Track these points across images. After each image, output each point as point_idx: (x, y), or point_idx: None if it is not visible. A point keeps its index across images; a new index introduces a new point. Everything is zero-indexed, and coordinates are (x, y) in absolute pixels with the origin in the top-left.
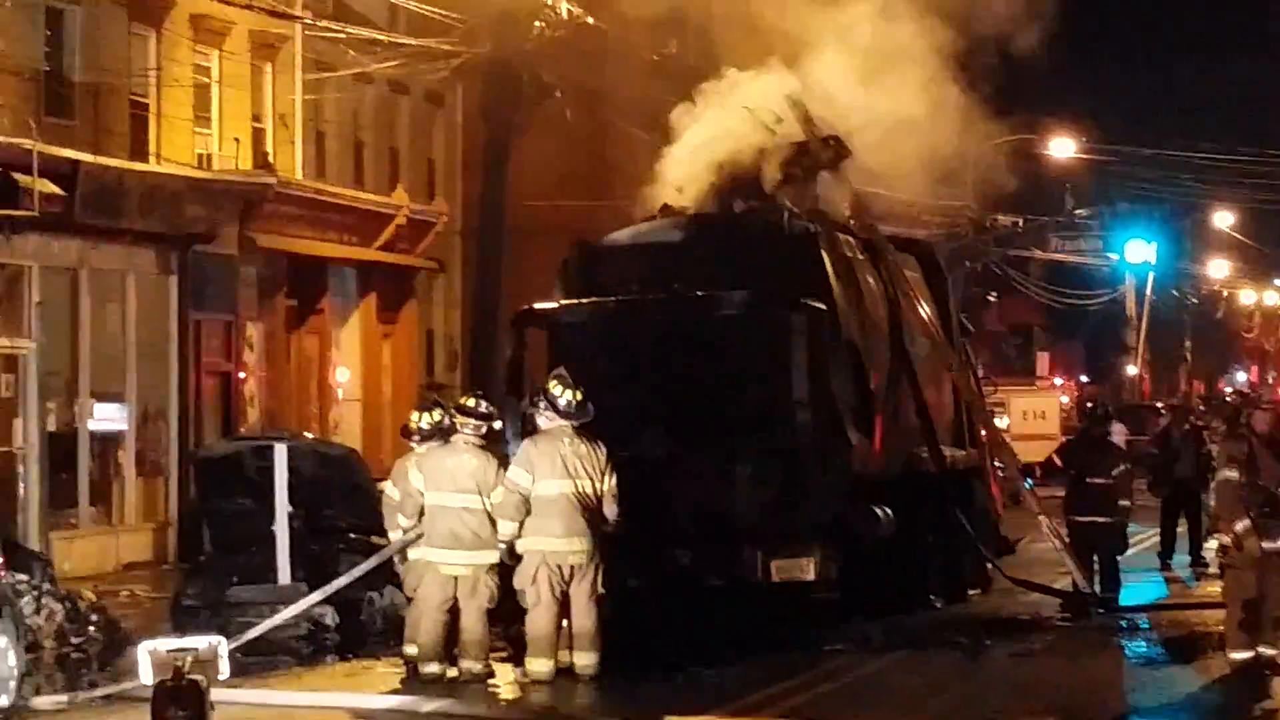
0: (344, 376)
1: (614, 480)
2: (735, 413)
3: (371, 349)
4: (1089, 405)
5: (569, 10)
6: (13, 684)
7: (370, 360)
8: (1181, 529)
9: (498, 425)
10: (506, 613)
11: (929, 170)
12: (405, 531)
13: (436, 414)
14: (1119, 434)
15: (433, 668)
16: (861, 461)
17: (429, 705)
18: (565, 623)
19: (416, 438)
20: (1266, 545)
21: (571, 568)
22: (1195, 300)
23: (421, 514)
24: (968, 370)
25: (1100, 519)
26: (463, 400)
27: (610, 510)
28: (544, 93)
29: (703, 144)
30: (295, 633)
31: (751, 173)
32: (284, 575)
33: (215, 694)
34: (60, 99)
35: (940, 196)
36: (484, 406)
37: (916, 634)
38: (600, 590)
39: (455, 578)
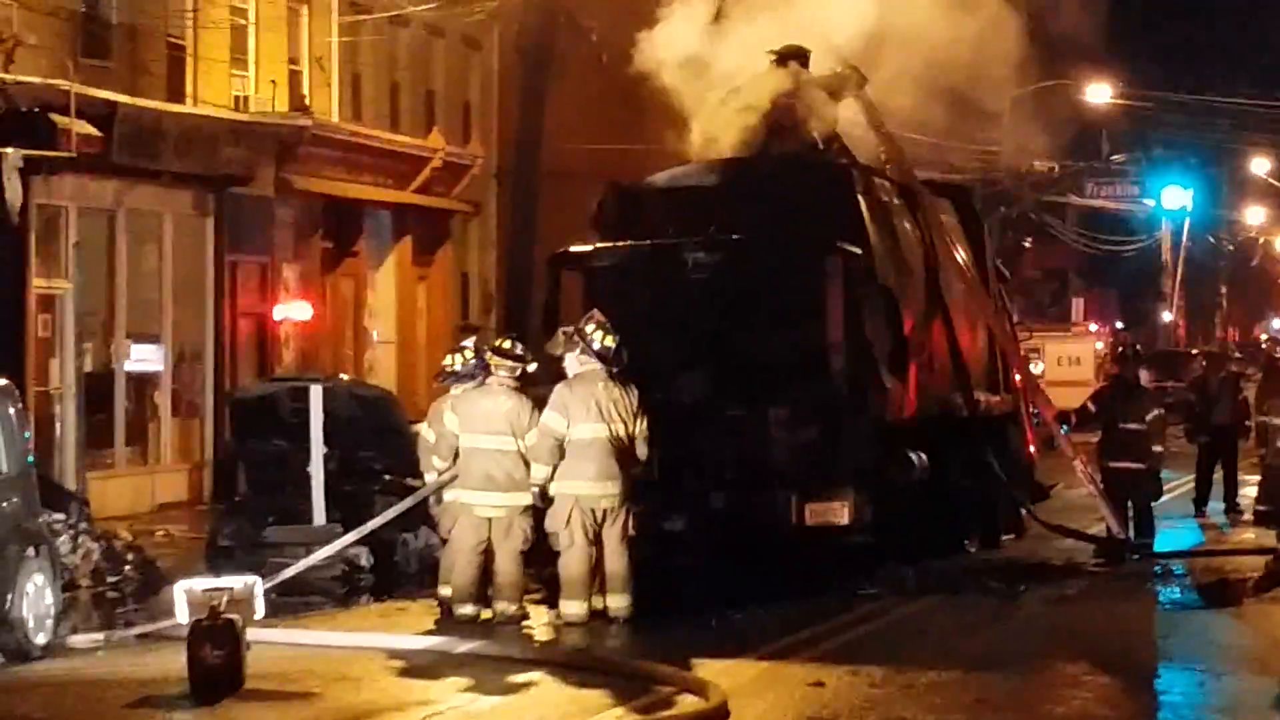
0: (379, 319)
1: (645, 423)
2: (770, 357)
3: (406, 292)
4: (1119, 350)
5: None
6: (49, 622)
7: (405, 303)
8: (1217, 475)
9: (532, 368)
10: (541, 555)
11: (965, 108)
12: (440, 474)
13: (468, 354)
14: (1145, 379)
15: (467, 609)
16: (896, 406)
17: (463, 647)
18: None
19: (451, 379)
20: None
21: (604, 511)
22: (1231, 247)
23: (456, 456)
24: (1003, 315)
25: (1133, 464)
26: (498, 342)
27: (642, 452)
28: (580, 36)
29: (737, 86)
30: (330, 573)
31: (786, 114)
32: (319, 516)
33: (250, 633)
34: (97, 40)
35: (977, 141)
36: (519, 349)
37: (950, 579)
38: (632, 533)
39: (489, 520)
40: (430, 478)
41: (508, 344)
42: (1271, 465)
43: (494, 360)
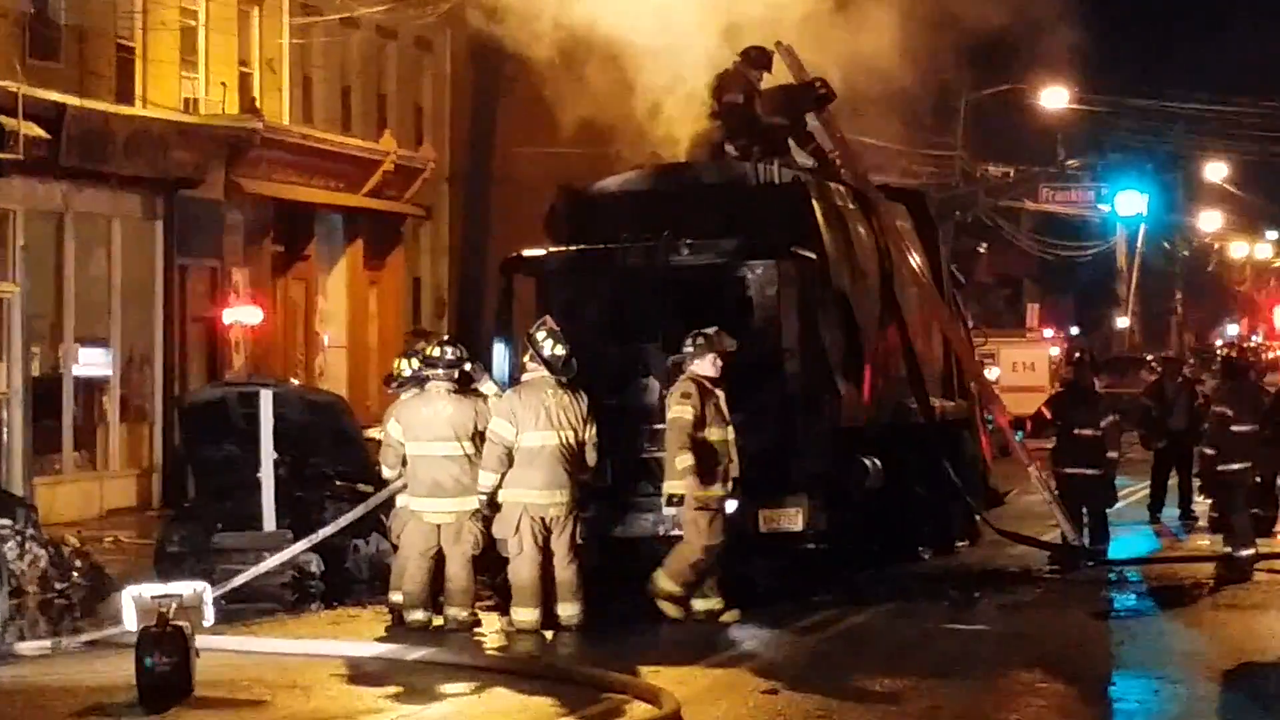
0: (330, 323)
1: (594, 429)
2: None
3: (358, 296)
4: (1075, 355)
5: None
6: None
7: (356, 307)
8: (1172, 482)
9: (469, 368)
10: (492, 562)
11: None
12: (392, 482)
13: (415, 361)
14: (1099, 385)
15: (418, 615)
16: (850, 412)
17: (415, 653)
18: None
19: (395, 385)
20: None
21: (552, 519)
22: (1186, 252)
23: (405, 463)
24: (958, 321)
25: (1088, 471)
26: (427, 350)
27: (591, 459)
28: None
29: (692, 91)
30: (280, 580)
31: (741, 119)
32: (269, 522)
33: (199, 640)
34: (46, 41)
35: (931, 146)
36: (448, 352)
37: (904, 585)
38: (579, 541)
39: (439, 525)
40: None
41: (435, 351)
42: (1203, 472)
43: (426, 369)
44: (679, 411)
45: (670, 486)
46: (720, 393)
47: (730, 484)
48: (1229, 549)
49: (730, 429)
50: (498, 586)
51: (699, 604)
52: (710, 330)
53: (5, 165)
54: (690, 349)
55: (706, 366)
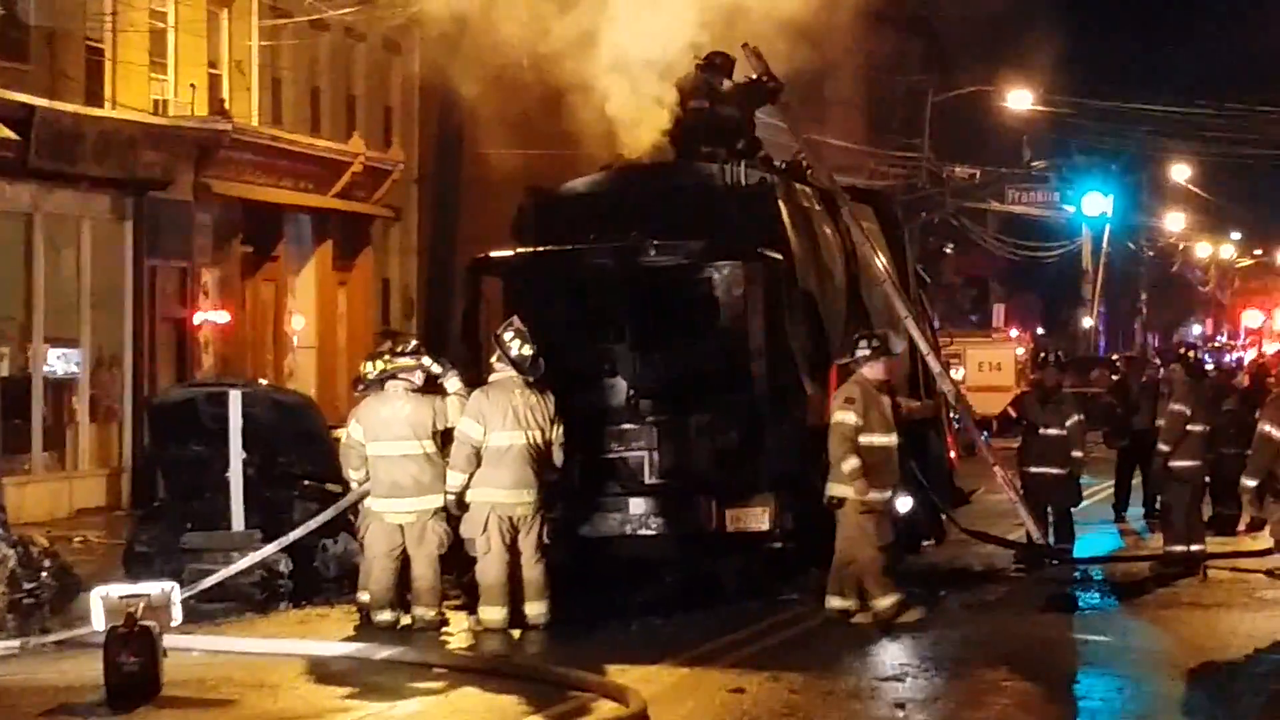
0: (299, 324)
1: (561, 429)
2: (691, 363)
3: (327, 297)
4: (1041, 356)
5: None
6: None
7: (326, 308)
8: (1136, 481)
9: (435, 369)
10: (459, 561)
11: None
12: (359, 483)
13: (381, 363)
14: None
15: (385, 615)
16: (817, 412)
17: (382, 653)
18: None
19: (362, 387)
20: None
21: (520, 518)
22: (1151, 253)
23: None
24: (924, 321)
25: (1053, 470)
26: (391, 349)
27: (558, 459)
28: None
29: (659, 94)
30: (249, 579)
31: (705, 124)
32: (238, 522)
33: (167, 640)
34: (15, 43)
35: (898, 147)
36: (409, 351)
37: None
38: (546, 541)
39: (401, 526)
40: (350, 483)
41: (395, 347)
42: (1155, 469)
43: (386, 367)
44: (842, 416)
45: (833, 489)
46: (886, 399)
47: (891, 489)
48: (1166, 546)
49: (894, 435)
50: (465, 586)
51: (835, 602)
52: (882, 332)
53: None
54: (866, 352)
55: (879, 370)
